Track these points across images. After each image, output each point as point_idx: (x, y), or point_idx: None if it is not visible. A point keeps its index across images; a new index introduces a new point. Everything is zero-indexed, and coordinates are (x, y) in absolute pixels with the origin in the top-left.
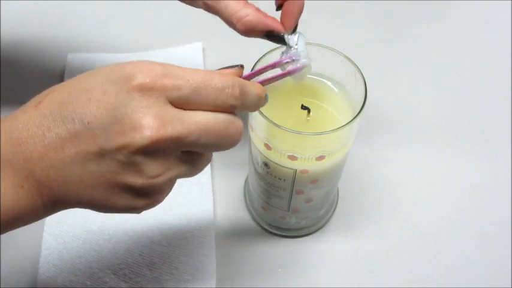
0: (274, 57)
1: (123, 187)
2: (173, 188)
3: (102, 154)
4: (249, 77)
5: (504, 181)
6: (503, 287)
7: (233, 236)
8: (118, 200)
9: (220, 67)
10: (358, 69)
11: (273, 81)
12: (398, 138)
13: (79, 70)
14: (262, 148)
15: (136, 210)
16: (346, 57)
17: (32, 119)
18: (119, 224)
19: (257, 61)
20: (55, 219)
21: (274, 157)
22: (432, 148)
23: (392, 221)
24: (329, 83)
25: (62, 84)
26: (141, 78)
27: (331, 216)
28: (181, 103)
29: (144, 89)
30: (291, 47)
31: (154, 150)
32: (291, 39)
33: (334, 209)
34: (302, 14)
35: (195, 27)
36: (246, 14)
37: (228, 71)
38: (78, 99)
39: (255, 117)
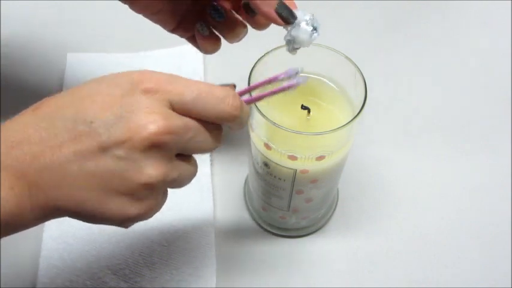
0: (273, 57)
1: (119, 187)
2: (173, 188)
3: (102, 151)
4: (243, 93)
5: (504, 181)
6: (503, 287)
7: (233, 236)
8: (111, 203)
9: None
10: (358, 69)
11: (268, 97)
12: (398, 138)
13: (79, 70)
14: (262, 148)
15: (127, 219)
16: (346, 57)
17: (29, 122)
18: None
19: (256, 61)
20: (55, 220)
21: (274, 157)
22: (432, 148)
23: (392, 221)
24: (329, 83)
25: (61, 92)
26: (147, 83)
27: (331, 216)
28: (183, 109)
29: (150, 92)
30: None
31: (156, 145)
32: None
33: (334, 209)
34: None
35: None
36: None
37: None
38: (80, 102)
39: (255, 117)
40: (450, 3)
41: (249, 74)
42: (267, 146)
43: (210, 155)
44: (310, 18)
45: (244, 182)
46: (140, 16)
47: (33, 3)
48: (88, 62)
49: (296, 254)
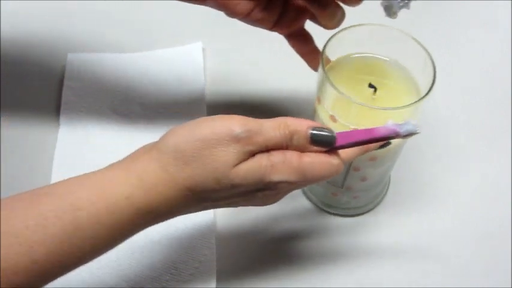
0: (349, 34)
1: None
2: None
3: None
4: (344, 144)
5: (504, 181)
6: (503, 287)
7: (233, 236)
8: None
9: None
10: (429, 54)
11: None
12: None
13: (79, 70)
14: (327, 120)
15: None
16: (417, 41)
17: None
18: None
19: (331, 37)
20: None
21: (338, 130)
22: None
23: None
24: (396, 65)
25: (192, 162)
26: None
27: (381, 199)
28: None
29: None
30: None
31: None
32: None
33: (385, 193)
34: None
35: (195, 27)
36: None
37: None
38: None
39: (325, 90)
40: (450, 3)
41: (322, 49)
42: (332, 118)
43: None
44: None
45: None
46: (140, 16)
47: (33, 3)
48: (88, 62)
49: (296, 254)
